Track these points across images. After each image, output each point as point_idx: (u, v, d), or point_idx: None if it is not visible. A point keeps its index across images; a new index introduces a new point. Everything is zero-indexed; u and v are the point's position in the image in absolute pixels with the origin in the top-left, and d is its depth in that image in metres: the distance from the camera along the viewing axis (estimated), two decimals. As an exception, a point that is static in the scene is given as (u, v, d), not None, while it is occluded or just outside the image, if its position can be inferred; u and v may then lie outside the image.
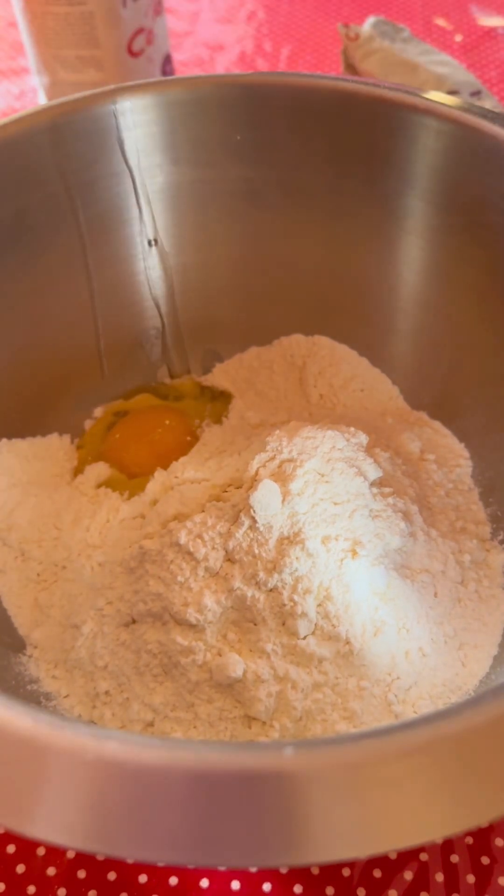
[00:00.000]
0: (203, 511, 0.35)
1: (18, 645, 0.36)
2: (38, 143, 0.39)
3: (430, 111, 0.38)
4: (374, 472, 0.36)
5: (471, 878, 0.31)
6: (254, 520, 0.33)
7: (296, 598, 0.32)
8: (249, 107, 0.41)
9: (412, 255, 0.42)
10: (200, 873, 0.31)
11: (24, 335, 0.42)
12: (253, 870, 0.31)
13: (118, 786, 0.19)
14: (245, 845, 0.18)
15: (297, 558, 0.32)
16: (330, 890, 0.31)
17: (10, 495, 0.40)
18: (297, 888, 0.31)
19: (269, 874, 0.31)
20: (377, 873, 0.31)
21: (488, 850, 0.32)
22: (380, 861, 0.32)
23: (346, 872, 0.31)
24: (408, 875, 0.31)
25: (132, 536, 0.37)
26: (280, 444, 0.35)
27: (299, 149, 0.41)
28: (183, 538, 0.33)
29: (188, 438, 0.44)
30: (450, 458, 0.41)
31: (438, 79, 0.57)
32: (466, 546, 0.37)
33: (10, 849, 0.32)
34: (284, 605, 0.32)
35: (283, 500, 0.33)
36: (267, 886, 0.31)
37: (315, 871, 0.31)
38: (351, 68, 0.63)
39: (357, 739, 0.19)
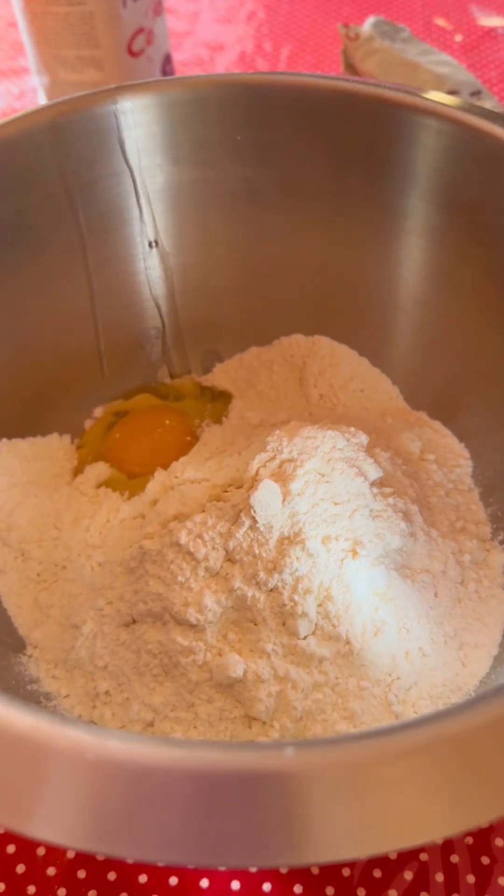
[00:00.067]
0: (203, 511, 0.35)
1: (18, 645, 0.36)
2: (38, 143, 0.39)
3: (430, 111, 0.38)
4: (374, 472, 0.36)
5: (471, 878, 0.31)
6: (254, 520, 0.33)
7: (296, 598, 0.32)
8: (249, 107, 0.41)
9: (412, 254, 0.42)
10: (200, 873, 0.31)
11: (24, 335, 0.42)
12: (253, 870, 0.31)
13: (118, 786, 0.19)
14: (245, 845, 0.18)
15: (297, 558, 0.32)
16: (330, 890, 0.31)
17: (10, 495, 0.40)
18: (297, 888, 0.31)
19: (269, 874, 0.31)
20: (377, 873, 0.31)
21: (488, 850, 0.32)
22: (380, 861, 0.32)
23: (346, 872, 0.31)
24: (408, 875, 0.31)
25: (132, 536, 0.37)
26: (280, 444, 0.35)
27: (299, 149, 0.41)
28: (183, 538, 0.33)
29: (188, 438, 0.44)
30: (450, 458, 0.41)
31: (438, 79, 0.57)
32: (466, 546, 0.37)
33: (10, 849, 0.32)
34: (285, 605, 0.32)
35: (284, 500, 0.33)
36: (267, 886, 0.31)
37: (315, 871, 0.31)
38: (351, 68, 0.63)
39: (357, 739, 0.19)
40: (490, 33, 0.72)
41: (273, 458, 0.35)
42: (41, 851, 0.32)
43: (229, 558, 0.33)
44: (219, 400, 0.46)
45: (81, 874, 0.32)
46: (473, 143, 0.37)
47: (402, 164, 0.40)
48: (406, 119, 0.38)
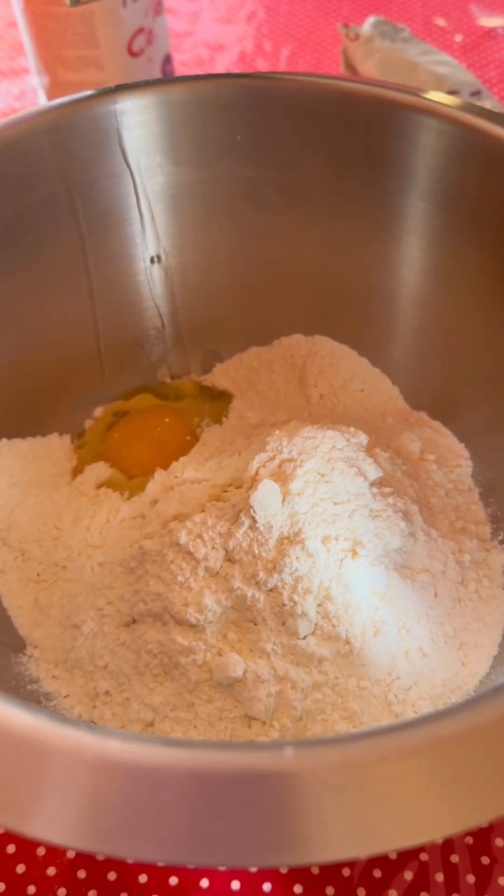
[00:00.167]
0: (203, 511, 0.35)
1: (18, 645, 0.36)
2: (38, 143, 0.39)
3: (430, 111, 0.38)
4: (374, 472, 0.36)
5: (471, 878, 0.31)
6: (254, 520, 0.33)
7: (296, 598, 0.32)
8: (249, 107, 0.41)
9: (412, 255, 0.42)
10: (200, 873, 0.31)
11: (24, 335, 0.42)
12: (253, 870, 0.31)
13: (118, 786, 0.19)
14: (245, 845, 0.18)
15: (297, 558, 0.32)
16: (330, 890, 0.31)
17: (10, 495, 0.40)
18: (297, 888, 0.31)
19: (269, 874, 0.31)
20: (377, 873, 0.31)
21: (488, 850, 0.32)
22: (380, 861, 0.32)
23: (346, 872, 0.31)
24: (408, 875, 0.31)
25: (132, 536, 0.37)
26: (280, 444, 0.35)
27: (299, 149, 0.41)
28: (183, 538, 0.33)
29: (188, 438, 0.44)
30: (450, 458, 0.41)
31: (438, 79, 0.57)
32: (466, 546, 0.37)
33: (10, 849, 0.32)
34: (284, 604, 0.32)
35: (283, 500, 0.33)
36: (267, 886, 0.31)
37: (315, 871, 0.31)
38: (351, 68, 0.63)
39: (357, 739, 0.19)
40: (490, 33, 0.72)
41: (273, 458, 0.35)
42: (41, 851, 0.32)
43: (229, 558, 0.33)
44: (219, 400, 0.46)
45: (81, 874, 0.32)
46: (473, 143, 0.37)
47: (402, 164, 0.40)
48: (406, 119, 0.38)
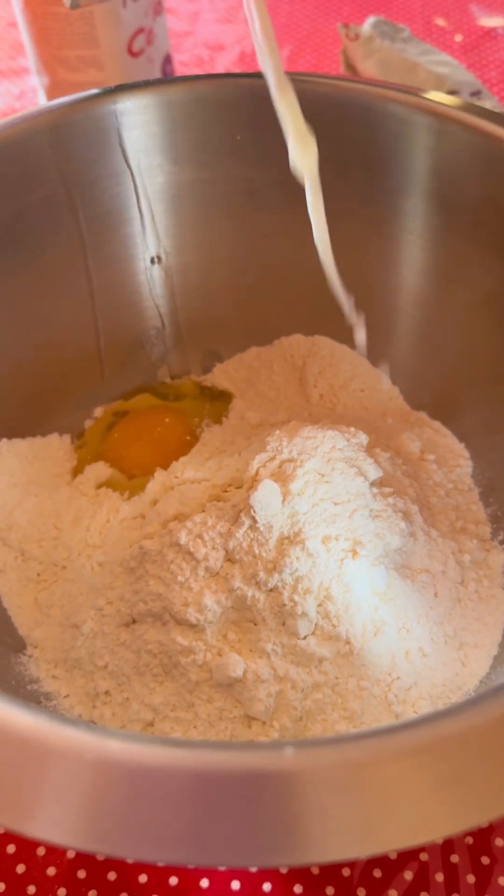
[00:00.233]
0: (203, 511, 0.35)
1: (18, 645, 0.36)
2: (38, 143, 0.39)
3: (430, 111, 0.38)
4: (374, 472, 0.36)
5: (471, 878, 0.31)
6: (254, 520, 0.33)
7: (296, 598, 0.32)
8: (249, 107, 0.41)
9: (412, 254, 0.42)
10: (200, 873, 0.31)
11: (24, 335, 0.42)
12: (253, 870, 0.31)
13: (118, 786, 0.19)
14: (245, 845, 0.18)
15: (297, 558, 0.32)
16: (330, 890, 0.31)
17: (10, 495, 0.40)
18: (297, 888, 0.31)
19: (269, 874, 0.31)
20: (377, 873, 0.31)
21: (488, 850, 0.32)
22: (380, 861, 0.31)
23: (346, 872, 0.31)
24: (408, 875, 0.31)
25: (132, 536, 0.37)
26: (280, 444, 0.35)
27: (299, 149, 0.41)
28: (183, 538, 0.33)
29: (188, 438, 0.44)
30: (450, 458, 0.41)
31: (438, 79, 0.57)
32: (466, 546, 0.37)
33: (10, 849, 0.32)
34: (284, 605, 0.32)
35: (284, 500, 0.33)
36: (267, 886, 0.31)
37: (315, 871, 0.31)
38: (351, 68, 0.63)
39: (357, 739, 0.19)
40: (490, 33, 0.72)
41: (273, 458, 0.35)
42: (41, 851, 0.32)
43: (229, 558, 0.33)
44: (219, 400, 0.46)
45: (81, 874, 0.32)
46: (473, 143, 0.37)
47: (401, 164, 0.40)
48: (406, 119, 0.38)
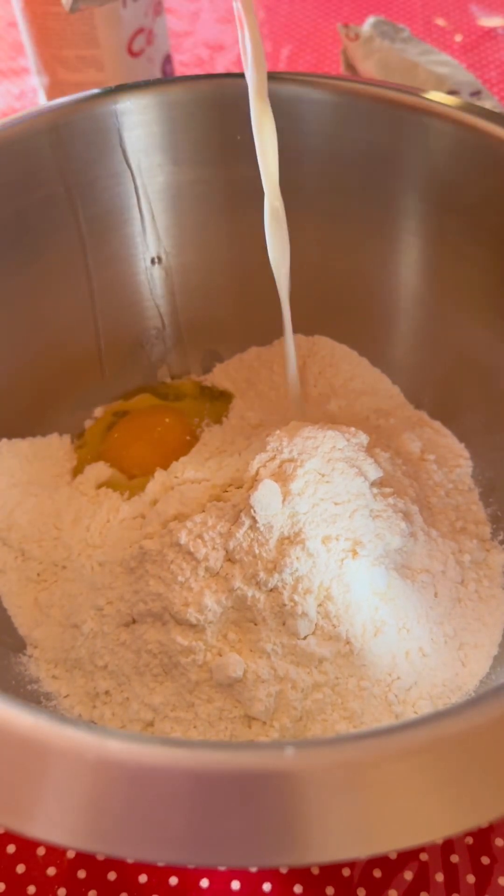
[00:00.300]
0: (203, 511, 0.35)
1: (18, 645, 0.36)
2: (38, 143, 0.39)
3: (430, 111, 0.38)
4: (374, 472, 0.36)
5: (471, 878, 0.31)
6: (254, 520, 0.33)
7: (296, 598, 0.32)
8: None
9: (412, 255, 0.42)
10: (200, 873, 0.31)
11: (24, 335, 0.42)
12: (253, 870, 0.31)
13: (118, 786, 0.19)
14: (245, 845, 0.18)
15: (297, 558, 0.32)
16: (330, 890, 0.31)
17: (10, 495, 0.40)
18: (297, 888, 0.31)
19: (269, 874, 0.31)
20: (377, 873, 0.31)
21: (488, 850, 0.32)
22: (380, 861, 0.31)
23: (346, 872, 0.31)
24: (408, 875, 0.31)
25: (132, 536, 0.37)
26: (280, 444, 0.35)
27: (299, 149, 0.41)
28: (183, 538, 0.33)
29: (188, 438, 0.44)
30: (450, 458, 0.41)
31: (438, 79, 0.57)
32: (466, 546, 0.37)
33: (10, 849, 0.32)
34: (285, 605, 0.32)
35: (284, 500, 0.33)
36: (267, 886, 0.31)
37: (315, 871, 0.31)
38: (351, 68, 0.63)
39: (357, 739, 0.19)
40: (490, 33, 0.72)
41: (273, 458, 0.35)
42: (41, 851, 0.32)
43: (229, 558, 0.33)
44: (219, 400, 0.46)
45: (81, 874, 0.32)
46: (473, 143, 0.37)
47: (401, 164, 0.40)
48: (406, 119, 0.38)
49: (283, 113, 0.41)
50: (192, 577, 0.33)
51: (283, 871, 0.31)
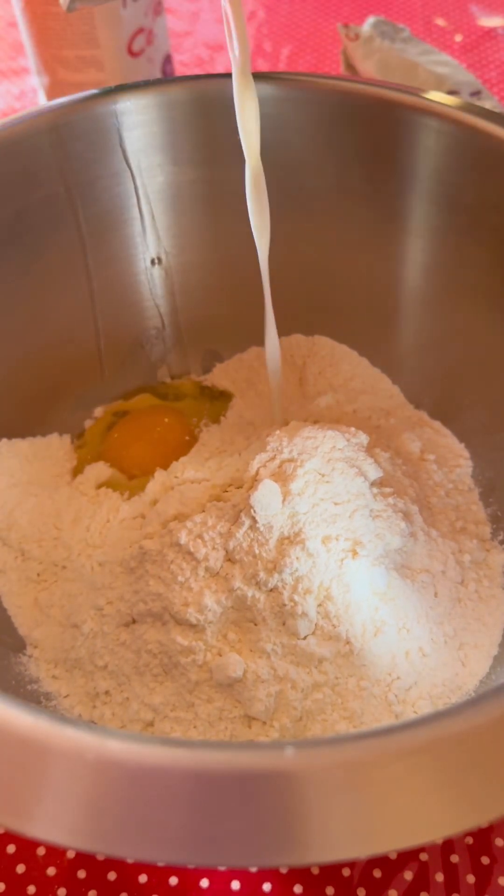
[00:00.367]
0: (203, 511, 0.35)
1: (18, 645, 0.36)
2: (38, 143, 0.39)
3: (431, 111, 0.38)
4: (374, 473, 0.36)
5: (471, 878, 0.31)
6: (254, 520, 0.33)
7: (296, 598, 0.32)
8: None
9: (412, 255, 0.42)
10: (200, 873, 0.31)
11: (24, 335, 0.42)
12: (253, 870, 0.31)
13: (118, 786, 0.19)
14: (245, 845, 0.18)
15: (297, 558, 0.32)
16: (330, 890, 0.31)
17: (10, 495, 0.40)
18: (297, 888, 0.31)
19: (269, 874, 0.31)
20: (377, 873, 0.31)
21: (488, 850, 0.32)
22: (380, 861, 0.31)
23: (346, 872, 0.31)
24: (408, 875, 0.31)
25: (132, 536, 0.37)
26: (280, 444, 0.35)
27: (300, 149, 0.41)
28: (183, 538, 0.33)
29: (187, 438, 0.44)
30: (450, 458, 0.41)
31: (438, 79, 0.57)
32: (466, 546, 0.37)
33: (10, 849, 0.32)
34: (285, 605, 0.32)
35: (284, 500, 0.33)
36: (267, 886, 0.31)
37: (315, 871, 0.31)
38: (351, 68, 0.63)
39: (357, 739, 0.19)
40: (490, 33, 0.72)
41: (273, 458, 0.35)
42: (41, 851, 0.32)
43: (229, 558, 0.33)
44: (219, 400, 0.46)
45: (81, 874, 0.32)
46: (473, 143, 0.37)
47: (402, 165, 0.40)
48: (406, 119, 0.38)
49: (283, 113, 0.41)
50: (192, 577, 0.33)
51: (283, 871, 0.31)
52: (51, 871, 0.32)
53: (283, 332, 0.47)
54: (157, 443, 0.43)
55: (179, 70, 0.68)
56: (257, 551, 0.32)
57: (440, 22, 0.73)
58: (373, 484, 0.36)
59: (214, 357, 0.48)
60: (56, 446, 0.43)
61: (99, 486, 0.41)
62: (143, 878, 0.31)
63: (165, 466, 0.40)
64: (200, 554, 0.33)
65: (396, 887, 0.31)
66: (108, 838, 0.18)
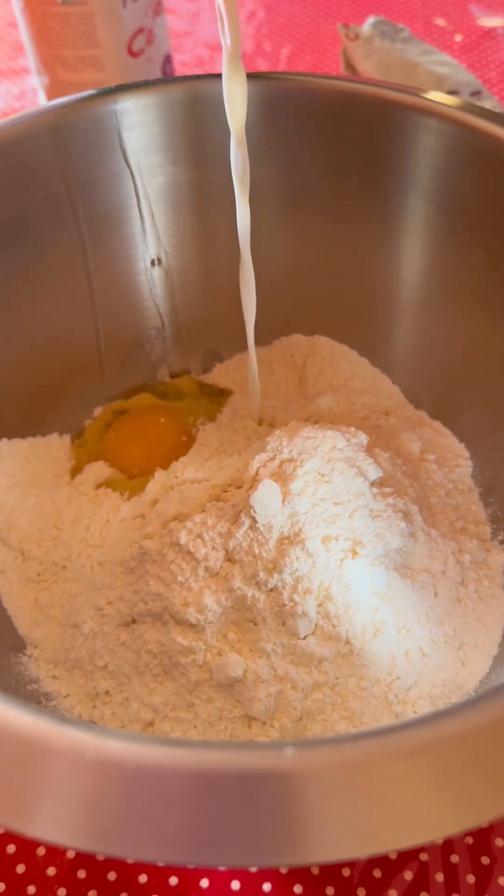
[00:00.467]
0: (203, 511, 0.35)
1: (18, 645, 0.36)
2: (38, 143, 0.39)
3: (430, 111, 0.38)
4: (374, 472, 0.36)
5: (471, 878, 0.31)
6: (254, 520, 0.33)
7: (296, 598, 0.32)
8: (249, 107, 0.41)
9: (412, 255, 0.42)
10: (200, 873, 0.31)
11: (24, 335, 0.42)
12: (253, 870, 0.31)
13: (118, 786, 0.19)
14: (245, 845, 0.18)
15: (297, 558, 0.32)
16: (330, 890, 0.31)
17: (10, 495, 0.40)
18: (297, 888, 0.31)
19: (269, 874, 0.31)
20: (377, 873, 0.31)
21: (488, 850, 0.32)
22: (380, 861, 0.32)
23: (346, 872, 0.31)
24: (408, 875, 0.31)
25: (132, 536, 0.37)
26: (280, 444, 0.35)
27: (299, 149, 0.41)
28: (183, 538, 0.33)
29: (184, 438, 0.44)
30: (450, 458, 0.41)
31: (438, 79, 0.57)
32: (466, 546, 0.37)
33: (10, 849, 0.32)
34: (284, 605, 0.32)
35: (284, 500, 0.33)
36: (267, 886, 0.31)
37: (315, 871, 0.31)
38: (351, 68, 0.63)
39: (357, 739, 0.19)
40: (490, 33, 0.72)
41: (273, 458, 0.35)
42: (41, 851, 0.32)
43: (229, 558, 0.33)
44: (218, 397, 0.46)
45: (81, 874, 0.32)
46: (473, 143, 0.37)
47: (402, 165, 0.40)
48: (406, 119, 0.38)
49: (282, 113, 0.41)
50: (191, 577, 0.33)
51: (283, 871, 0.31)
52: (51, 871, 0.32)
53: (283, 332, 0.47)
54: (154, 442, 0.43)
55: (179, 70, 0.68)
56: (257, 551, 0.32)
57: (440, 22, 0.73)
58: (373, 484, 0.36)
59: (214, 357, 0.48)
60: (56, 446, 0.43)
61: (98, 486, 0.41)
62: (143, 878, 0.31)
63: (163, 466, 0.40)
64: (200, 554, 0.33)
65: (396, 887, 0.31)
66: (108, 838, 0.18)
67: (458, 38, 0.72)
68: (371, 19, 0.63)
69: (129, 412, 0.46)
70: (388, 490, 0.36)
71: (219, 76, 0.36)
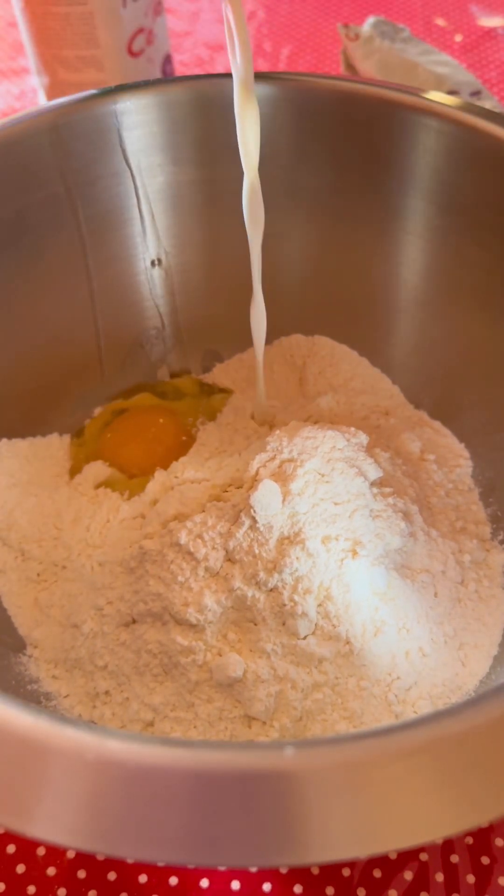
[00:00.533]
0: (203, 511, 0.35)
1: (18, 645, 0.36)
2: (38, 143, 0.39)
3: (430, 111, 0.38)
4: (374, 472, 0.36)
5: (471, 878, 0.31)
6: (254, 520, 0.33)
7: (296, 598, 0.32)
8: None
9: (412, 255, 0.42)
10: (200, 873, 0.31)
11: (24, 335, 0.42)
12: (253, 870, 0.31)
13: (118, 786, 0.19)
14: (245, 845, 0.18)
15: (297, 558, 0.32)
16: (330, 890, 0.31)
17: (10, 495, 0.40)
18: (297, 888, 0.31)
19: (269, 874, 0.31)
20: (377, 873, 0.31)
21: (488, 850, 0.32)
22: (380, 861, 0.32)
23: (346, 872, 0.31)
24: (408, 875, 0.31)
25: (132, 536, 0.37)
26: (280, 444, 0.35)
27: (299, 149, 0.41)
28: (183, 538, 0.33)
29: (183, 438, 0.44)
30: (450, 458, 0.41)
31: (438, 79, 0.57)
32: (466, 546, 0.37)
33: (10, 849, 0.32)
34: (285, 605, 0.32)
35: (284, 500, 0.33)
36: (267, 886, 0.31)
37: (315, 871, 0.31)
38: (351, 68, 0.63)
39: (357, 739, 0.19)
40: (490, 33, 0.72)
41: (273, 458, 0.35)
42: (41, 851, 0.32)
43: (229, 558, 0.33)
44: (218, 396, 0.46)
45: (81, 874, 0.32)
46: (473, 143, 0.37)
47: (402, 165, 0.40)
48: (406, 119, 0.38)
49: (282, 113, 0.41)
50: (192, 577, 0.33)
51: (283, 871, 0.31)
52: (51, 871, 0.32)
53: (283, 332, 0.47)
54: (152, 442, 0.43)
55: (179, 70, 0.68)
56: (257, 551, 0.32)
57: (440, 22, 0.73)
58: (373, 484, 0.36)
59: (214, 357, 0.48)
60: (56, 446, 0.43)
61: (98, 486, 0.41)
62: (143, 878, 0.31)
63: (162, 466, 0.40)
64: (200, 554, 0.33)
65: (396, 887, 0.31)
66: (108, 838, 0.18)
67: (458, 38, 0.72)
68: (371, 19, 0.63)
69: (128, 412, 0.46)
70: (388, 490, 0.36)
71: (219, 76, 0.36)
